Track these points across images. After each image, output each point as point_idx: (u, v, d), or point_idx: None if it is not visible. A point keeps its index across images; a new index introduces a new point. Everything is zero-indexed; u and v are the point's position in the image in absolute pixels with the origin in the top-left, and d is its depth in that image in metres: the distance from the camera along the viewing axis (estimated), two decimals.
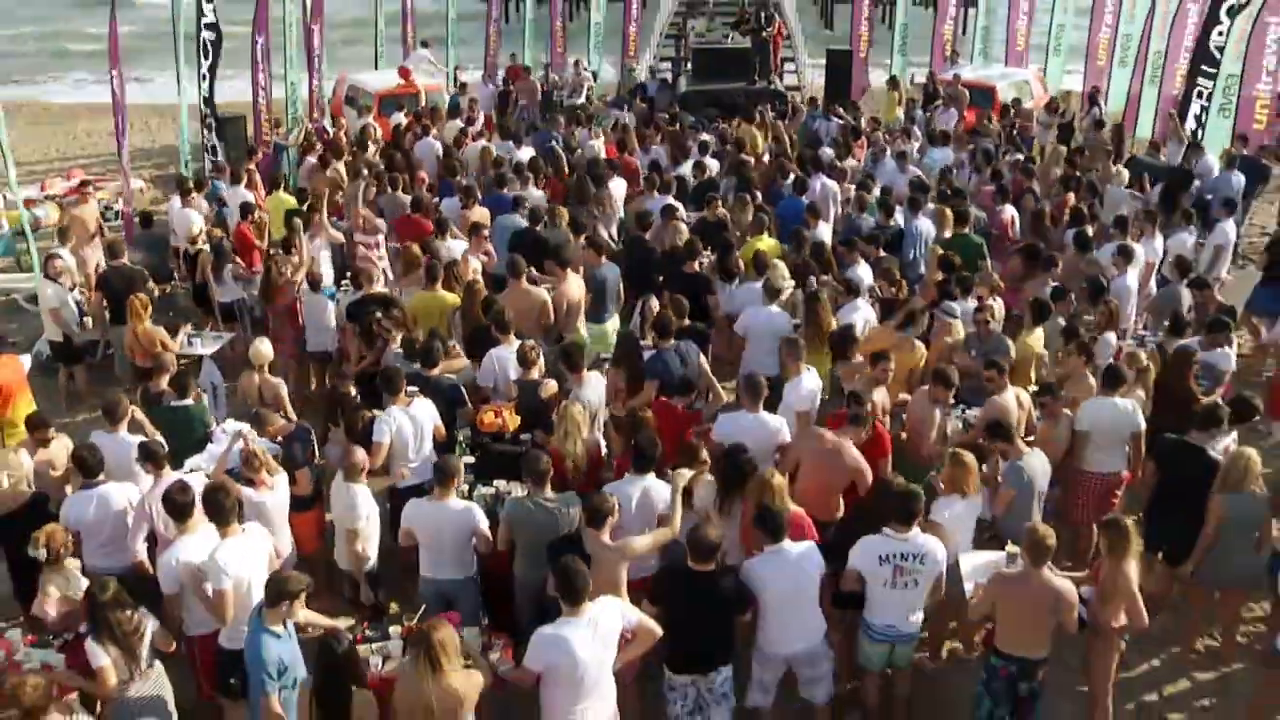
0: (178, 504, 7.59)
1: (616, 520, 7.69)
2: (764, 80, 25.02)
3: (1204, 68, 20.34)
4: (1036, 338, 11.01)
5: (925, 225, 14.17)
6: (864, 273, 12.51)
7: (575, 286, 12.06)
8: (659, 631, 6.97)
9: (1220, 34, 20.09)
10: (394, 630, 7.78)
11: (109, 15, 18.15)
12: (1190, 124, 20.10)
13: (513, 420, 9.64)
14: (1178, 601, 9.51)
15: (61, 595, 7.57)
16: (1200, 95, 20.44)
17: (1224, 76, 20.14)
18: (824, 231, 14.25)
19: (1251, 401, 9.49)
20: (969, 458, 8.36)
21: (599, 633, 6.55)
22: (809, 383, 9.99)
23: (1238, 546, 8.57)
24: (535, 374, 10.07)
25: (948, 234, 13.68)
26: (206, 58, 20.16)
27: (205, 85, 20.49)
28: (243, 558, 7.37)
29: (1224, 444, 9.30)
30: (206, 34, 19.90)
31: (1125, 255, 12.78)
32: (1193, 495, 8.75)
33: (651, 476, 8.27)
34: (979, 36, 28.89)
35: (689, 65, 26.30)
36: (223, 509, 7.43)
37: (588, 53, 28.58)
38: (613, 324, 12.64)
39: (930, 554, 7.56)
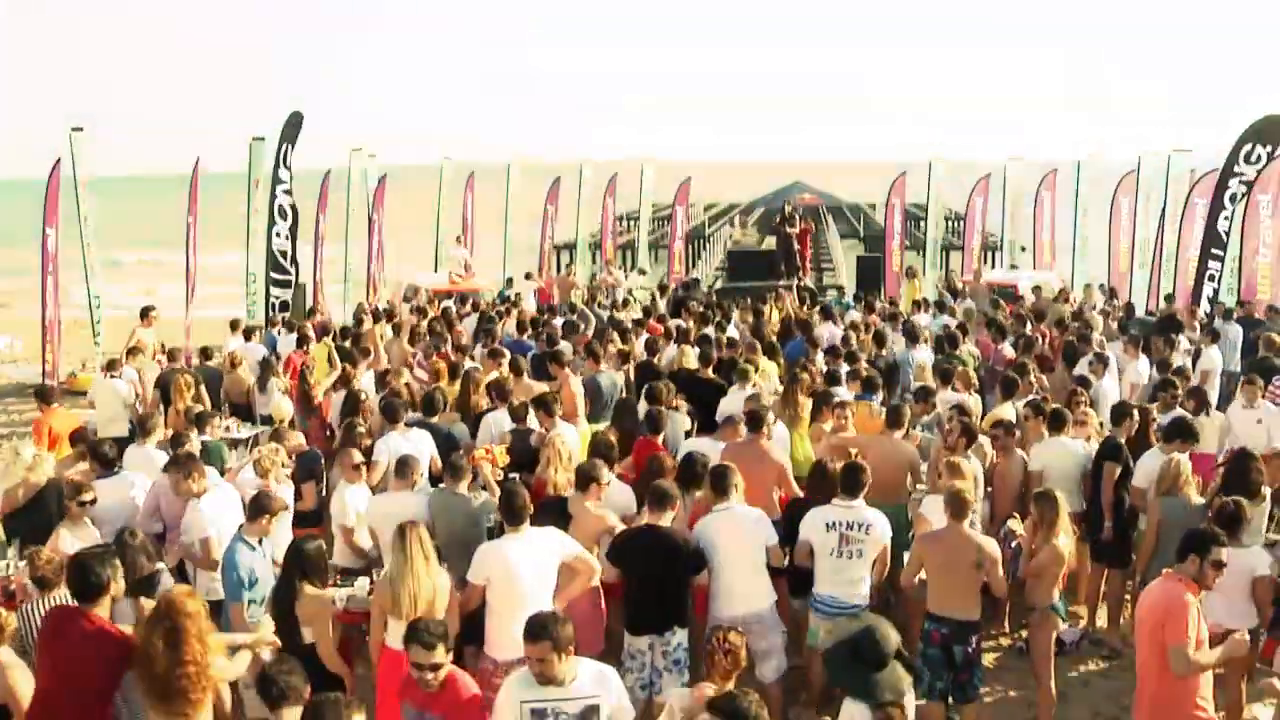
0: None
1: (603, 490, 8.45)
2: (792, 278, 26.41)
3: (1214, 251, 21.47)
4: (1005, 409, 11.66)
5: (920, 354, 14.95)
6: (844, 375, 13.25)
7: (573, 385, 12.93)
8: (597, 566, 7.56)
9: (1226, 218, 21.34)
10: (361, 581, 8.42)
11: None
12: (1204, 306, 20.94)
13: (502, 457, 10.48)
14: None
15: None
16: (1212, 279, 21.45)
17: (1230, 257, 21.32)
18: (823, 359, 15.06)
19: (1186, 421, 10.06)
20: (964, 463, 9.05)
21: (536, 549, 7.22)
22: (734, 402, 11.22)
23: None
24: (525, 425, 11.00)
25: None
26: (285, 219, 22.23)
27: (280, 243, 22.65)
28: (221, 511, 8.22)
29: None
30: (283, 198, 21.99)
31: (1102, 362, 13.57)
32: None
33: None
34: (1007, 248, 30.22)
35: (726, 267, 27.81)
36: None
37: (633, 263, 30.36)
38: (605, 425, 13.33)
39: (874, 525, 8.13)
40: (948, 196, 29.87)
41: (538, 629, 5.64)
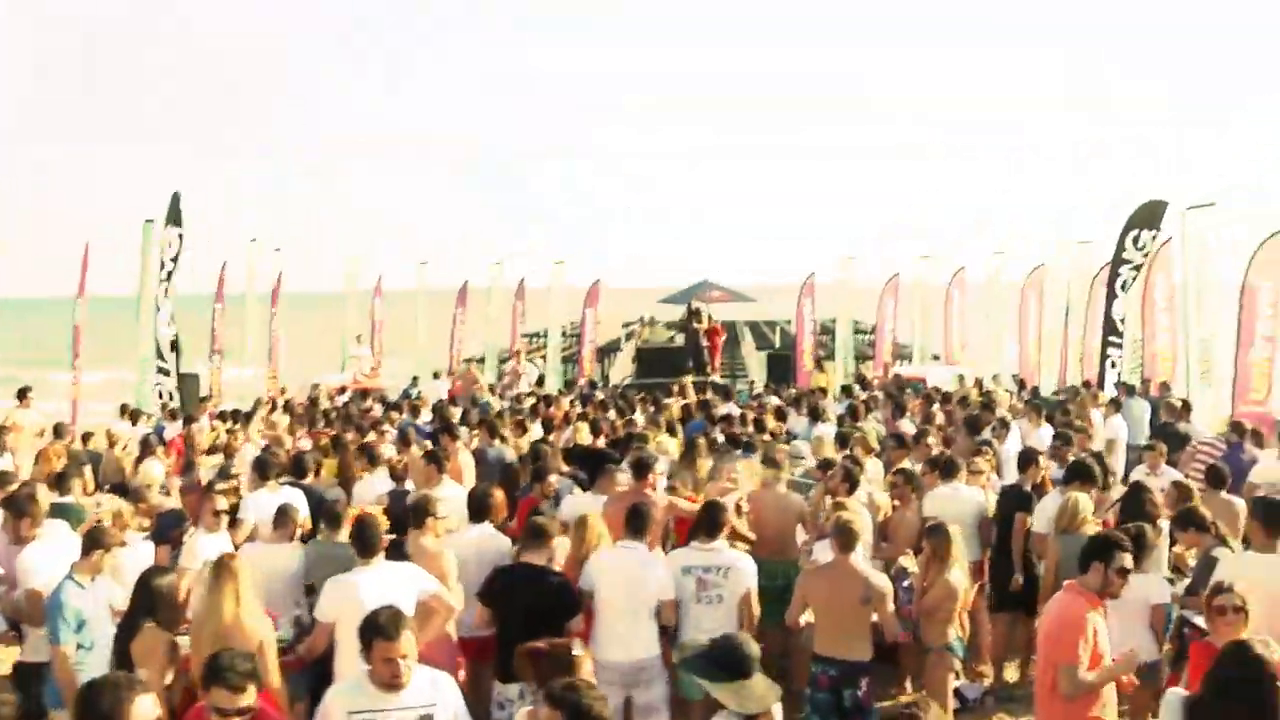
0: None
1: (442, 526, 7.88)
2: (701, 374, 26.20)
3: (1111, 339, 21.66)
4: (904, 464, 11.35)
5: (822, 429, 14.66)
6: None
7: (462, 456, 12.49)
8: (455, 604, 7.02)
9: (1120, 305, 21.57)
10: None
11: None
12: (1110, 391, 21.02)
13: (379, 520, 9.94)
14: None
15: None
16: (1113, 365, 21.59)
17: (1130, 342, 21.54)
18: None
19: (1084, 461, 9.80)
20: (850, 502, 8.70)
21: (389, 583, 6.66)
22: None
23: None
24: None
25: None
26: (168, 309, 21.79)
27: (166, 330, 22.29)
28: (55, 560, 7.51)
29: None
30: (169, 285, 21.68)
31: (1005, 426, 13.58)
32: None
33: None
34: (919, 348, 30.38)
35: (635, 364, 27.62)
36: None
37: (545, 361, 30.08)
38: None
39: (735, 568, 7.63)
40: (858, 297, 29.96)
41: (392, 626, 5.09)
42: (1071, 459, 10.94)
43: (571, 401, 21.48)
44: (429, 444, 12.92)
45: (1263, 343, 17.06)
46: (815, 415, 15.21)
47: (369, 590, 6.53)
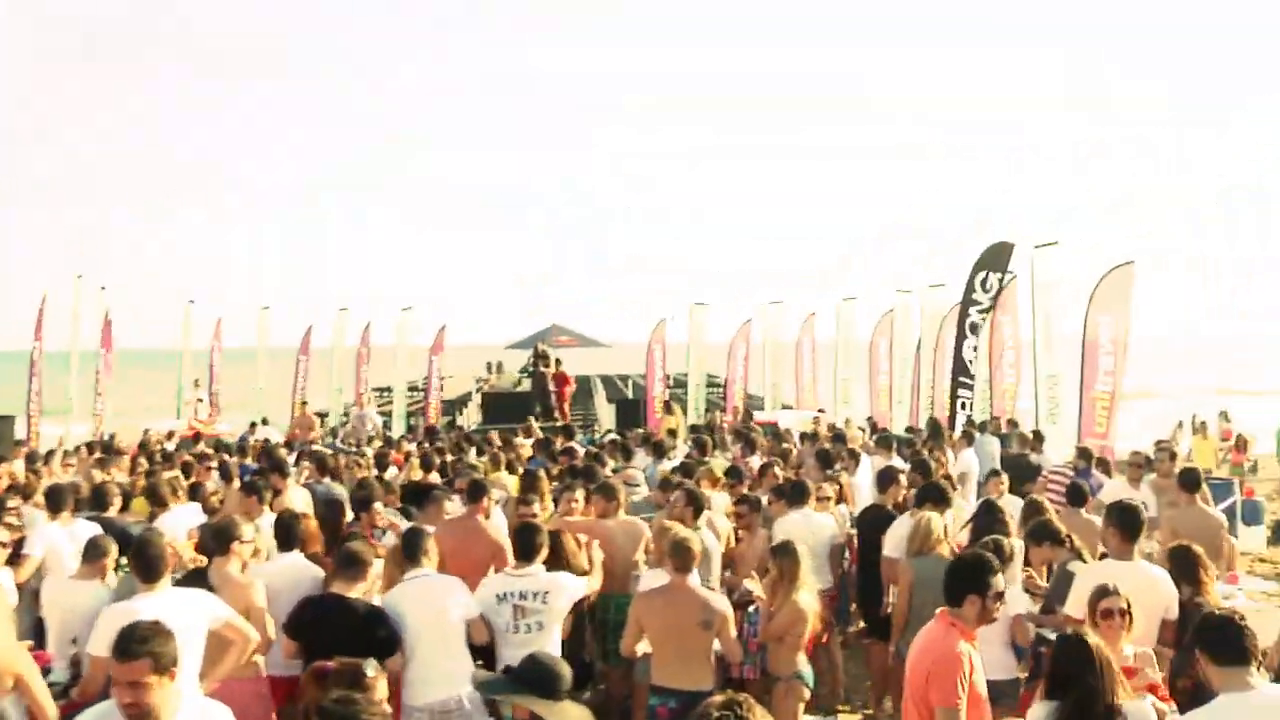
0: None
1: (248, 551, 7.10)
2: (548, 420, 25.59)
3: (962, 379, 21.67)
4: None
5: (665, 465, 14.10)
6: None
7: (293, 494, 11.66)
8: (254, 635, 6.24)
9: (973, 348, 21.59)
10: None
11: None
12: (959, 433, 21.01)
13: (187, 550, 9.04)
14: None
15: None
16: (964, 407, 21.59)
17: (980, 382, 21.53)
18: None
19: (937, 484, 9.40)
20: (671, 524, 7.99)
21: (174, 610, 5.80)
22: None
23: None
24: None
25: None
26: None
27: None
28: None
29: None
30: None
31: (854, 458, 13.18)
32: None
33: None
34: (770, 392, 30.16)
35: (480, 409, 26.95)
36: None
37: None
38: None
39: (555, 589, 7.01)
40: (709, 340, 29.71)
41: (132, 642, 4.26)
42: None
43: (416, 444, 20.73)
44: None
45: (1104, 378, 17.11)
46: (660, 452, 14.66)
47: (150, 617, 5.70)
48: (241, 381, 32.53)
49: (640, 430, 20.67)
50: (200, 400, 27.68)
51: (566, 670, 4.77)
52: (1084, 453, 12.86)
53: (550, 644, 6.92)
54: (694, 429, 20.77)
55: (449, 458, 16.14)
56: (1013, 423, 18.47)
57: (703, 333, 29.25)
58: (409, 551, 7.04)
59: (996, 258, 21.36)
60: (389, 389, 31.14)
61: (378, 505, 9.83)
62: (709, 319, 29.44)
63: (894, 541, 8.85)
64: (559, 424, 25.05)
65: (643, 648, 7.03)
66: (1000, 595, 5.35)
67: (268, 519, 9.27)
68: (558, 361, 28.52)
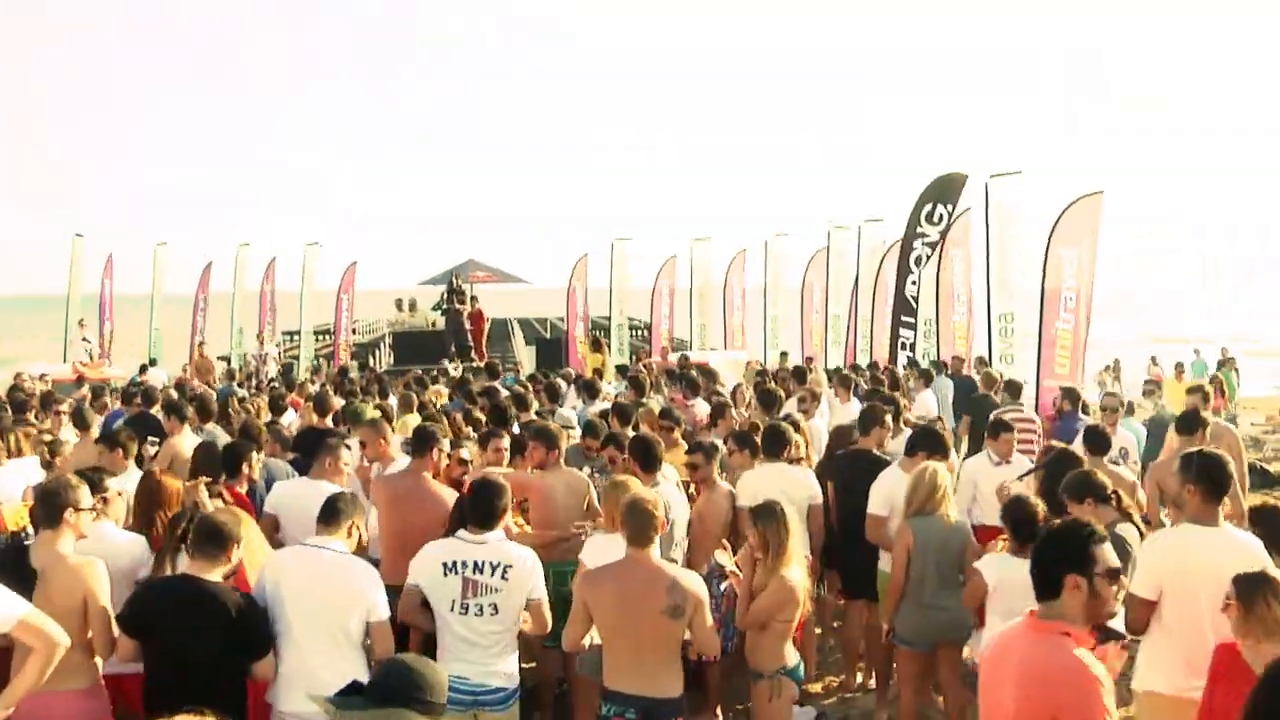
0: None
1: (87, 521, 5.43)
2: (464, 360, 23.96)
3: (904, 318, 20.67)
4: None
5: (597, 407, 12.63)
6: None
7: (185, 442, 9.96)
8: (62, 640, 4.63)
9: (914, 283, 20.45)
10: None
11: None
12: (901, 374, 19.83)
13: (19, 516, 7.30)
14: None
15: None
16: (905, 346, 20.51)
17: (922, 321, 20.48)
18: None
19: (932, 429, 7.99)
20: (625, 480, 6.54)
21: None
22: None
23: (941, 584, 6.66)
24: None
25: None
26: None
27: None
28: None
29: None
30: None
31: (815, 398, 11.94)
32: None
33: None
34: (698, 333, 28.76)
35: (391, 350, 25.27)
36: None
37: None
38: None
39: (519, 566, 5.45)
40: (633, 278, 28.22)
41: None
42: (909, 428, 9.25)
43: (320, 386, 19.02)
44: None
45: (1066, 315, 15.88)
46: (593, 393, 13.15)
47: None
48: (137, 325, 30.46)
49: (569, 369, 19.07)
50: (86, 341, 25.53)
51: (438, 679, 3.31)
52: (1070, 393, 11.42)
53: (504, 636, 5.49)
54: (621, 369, 19.28)
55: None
56: (983, 361, 17.17)
57: (626, 271, 27.77)
58: (326, 514, 5.45)
59: (946, 189, 20.25)
60: (296, 333, 29.17)
61: (256, 457, 8.12)
62: (632, 256, 28.02)
63: (883, 496, 7.42)
64: (475, 364, 23.48)
65: (590, 638, 5.57)
66: (1115, 573, 3.71)
67: (133, 477, 7.67)
68: (474, 298, 26.79)
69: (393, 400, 14.82)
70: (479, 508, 5.56)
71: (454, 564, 5.42)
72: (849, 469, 8.22)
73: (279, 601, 5.18)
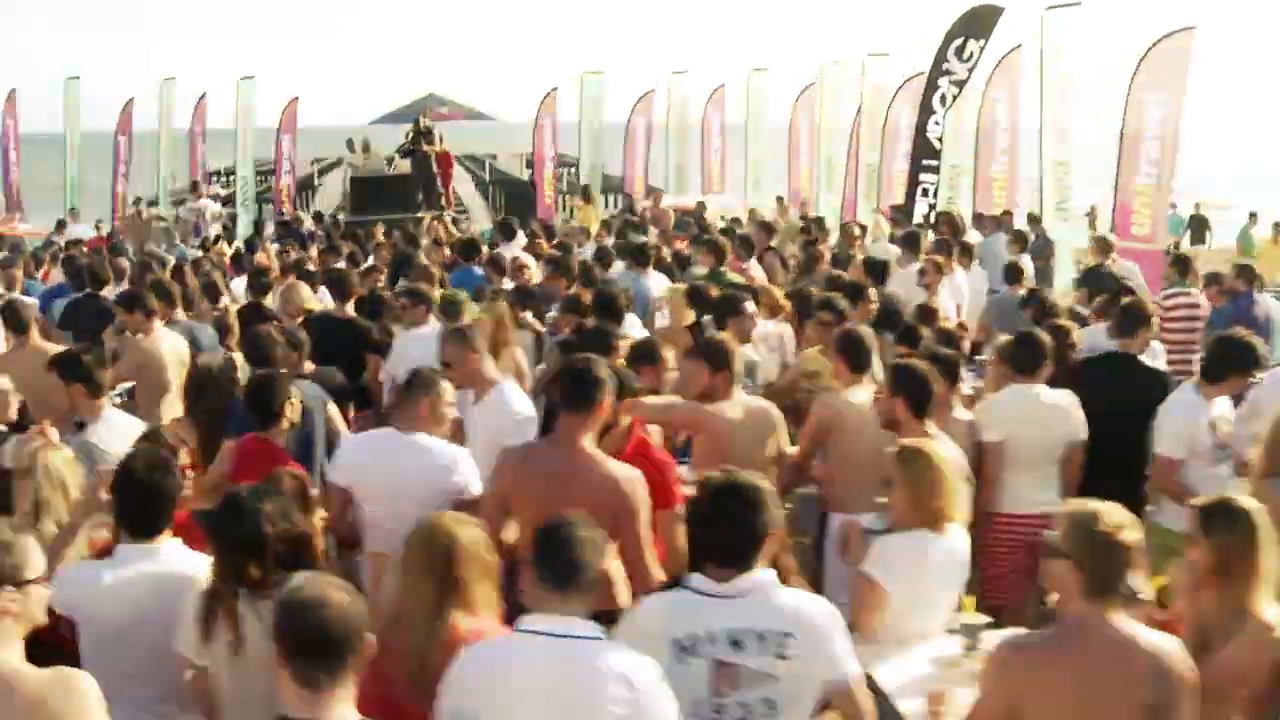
0: None
1: None
2: (432, 207, 21.82)
3: (925, 162, 18.90)
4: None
5: (654, 280, 10.71)
6: None
7: (162, 341, 7.88)
8: None
9: (937, 124, 18.68)
10: None
11: None
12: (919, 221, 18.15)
13: None
14: None
15: None
16: (926, 193, 18.80)
17: (947, 168, 18.83)
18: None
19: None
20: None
21: None
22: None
23: None
24: None
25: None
26: None
27: None
28: None
29: None
30: None
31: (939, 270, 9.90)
32: None
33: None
34: (674, 176, 26.67)
35: (347, 199, 22.98)
36: None
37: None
38: None
39: (808, 631, 3.47)
40: (608, 111, 26.00)
41: None
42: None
43: (281, 247, 16.73)
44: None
45: (1148, 167, 14.15)
46: (642, 260, 11.04)
47: None
48: (46, 171, 27.80)
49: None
50: None
51: None
52: (1245, 271, 9.66)
53: None
54: (606, 224, 17.26)
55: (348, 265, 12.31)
56: (1034, 218, 15.43)
57: (598, 107, 25.49)
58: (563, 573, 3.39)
59: (979, 22, 18.35)
60: (229, 172, 26.45)
61: (295, 391, 5.84)
62: (604, 91, 25.70)
63: (1178, 434, 5.63)
64: (448, 215, 21.33)
65: None
66: None
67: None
68: (441, 139, 24.41)
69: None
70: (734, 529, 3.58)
71: (693, 639, 3.43)
72: (1111, 384, 6.28)
73: None
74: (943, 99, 18.64)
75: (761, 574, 3.49)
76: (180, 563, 3.85)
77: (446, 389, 5.11)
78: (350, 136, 25.77)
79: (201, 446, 5.59)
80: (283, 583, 3.42)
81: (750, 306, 7.23)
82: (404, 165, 23.63)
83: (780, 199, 22.70)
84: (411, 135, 24.09)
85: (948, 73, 18.51)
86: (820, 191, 23.59)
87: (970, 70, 18.29)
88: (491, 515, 4.35)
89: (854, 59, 22.78)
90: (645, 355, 5.93)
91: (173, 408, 7.36)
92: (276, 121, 26.13)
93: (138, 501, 3.87)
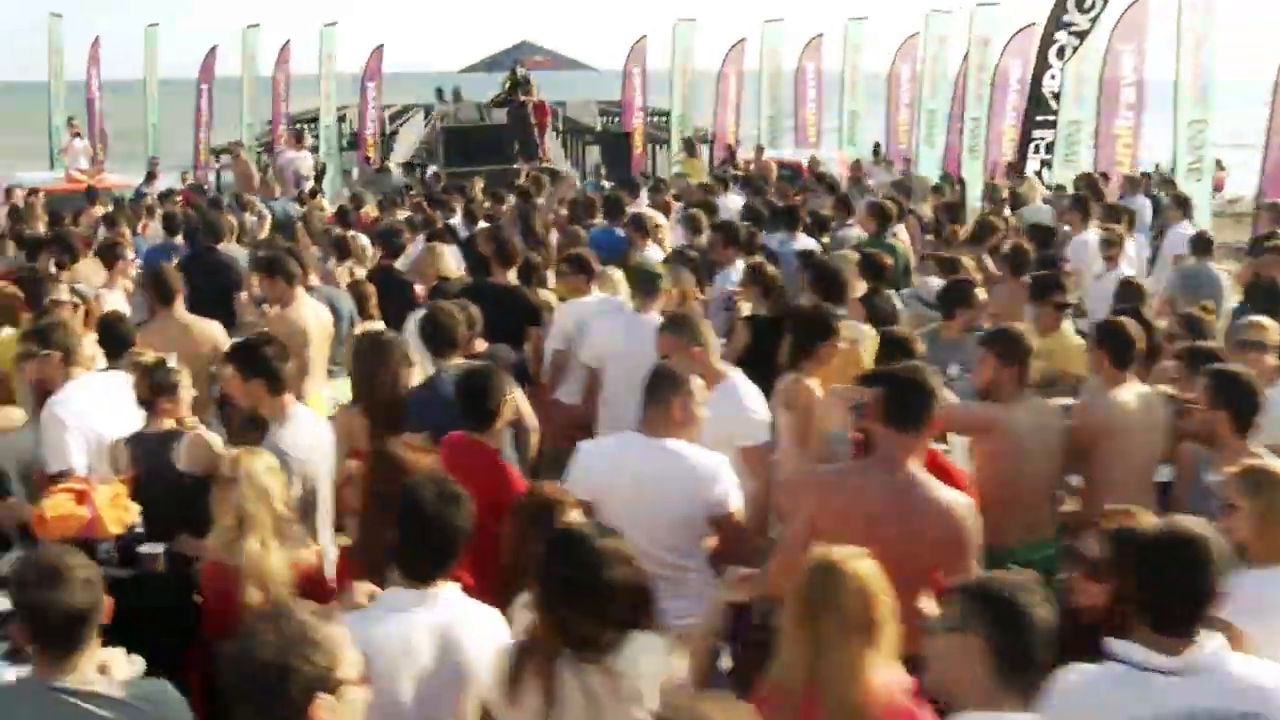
0: None
1: None
2: (529, 159, 21.36)
3: (1039, 119, 18.33)
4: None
5: (804, 241, 10.29)
6: None
7: (301, 311, 7.24)
8: None
9: (1053, 78, 18.09)
10: None
11: None
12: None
13: (119, 513, 4.78)
14: None
15: None
16: (1039, 149, 18.21)
17: (1065, 124, 18.13)
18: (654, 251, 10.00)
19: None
20: None
21: None
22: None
23: None
24: (169, 422, 5.15)
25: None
26: None
27: None
28: None
29: None
30: None
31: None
32: None
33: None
34: (767, 127, 26.06)
35: (441, 149, 22.55)
36: None
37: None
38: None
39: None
40: (698, 60, 25.40)
41: None
42: None
43: (381, 203, 16.25)
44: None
45: None
46: (790, 222, 10.57)
47: None
48: (125, 118, 27.49)
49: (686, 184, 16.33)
50: (78, 136, 22.76)
51: None
52: None
53: None
54: (747, 183, 16.69)
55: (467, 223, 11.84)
56: (1166, 180, 14.86)
57: (689, 56, 24.90)
58: None
59: None
60: (309, 119, 26.01)
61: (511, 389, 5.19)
62: (695, 39, 25.10)
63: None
64: (550, 173, 20.84)
65: None
66: None
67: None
68: (538, 88, 23.93)
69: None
70: None
71: None
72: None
73: None
74: (1060, 52, 18.07)
75: (1211, 642, 2.94)
76: (463, 613, 3.42)
77: (699, 386, 4.60)
78: (439, 85, 25.35)
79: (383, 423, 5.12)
80: (617, 644, 3.07)
81: (982, 295, 6.72)
82: (495, 117, 23.19)
83: (877, 146, 22.20)
84: (509, 84, 23.60)
85: (1067, 25, 17.89)
86: (919, 145, 23.05)
87: (1093, 21, 17.66)
88: (795, 550, 3.64)
89: (962, 7, 22.09)
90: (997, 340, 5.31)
91: (315, 389, 6.88)
92: (360, 68, 25.77)
93: (428, 541, 3.39)
